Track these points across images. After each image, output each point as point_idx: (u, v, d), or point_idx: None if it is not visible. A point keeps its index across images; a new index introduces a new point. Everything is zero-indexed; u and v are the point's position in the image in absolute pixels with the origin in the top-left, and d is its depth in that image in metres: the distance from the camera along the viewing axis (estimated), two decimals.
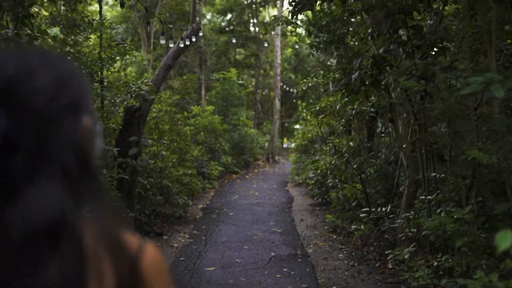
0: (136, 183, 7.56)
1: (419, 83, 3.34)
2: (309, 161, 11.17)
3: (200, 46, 19.24)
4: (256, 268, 5.97)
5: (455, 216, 2.90)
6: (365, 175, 7.10)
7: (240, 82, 20.60)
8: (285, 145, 30.65)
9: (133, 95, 7.47)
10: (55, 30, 7.09)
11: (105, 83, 7.18)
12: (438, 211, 4.39)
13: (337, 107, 6.36)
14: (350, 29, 8.28)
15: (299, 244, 7.20)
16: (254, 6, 25.13)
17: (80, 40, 5.80)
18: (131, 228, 0.77)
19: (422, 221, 3.10)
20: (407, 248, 5.13)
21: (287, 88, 27.16)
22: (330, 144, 6.54)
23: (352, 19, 8.74)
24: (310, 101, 22.93)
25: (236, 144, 17.34)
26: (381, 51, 4.56)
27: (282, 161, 21.98)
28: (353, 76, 4.46)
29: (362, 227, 5.43)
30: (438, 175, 4.52)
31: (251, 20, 26.00)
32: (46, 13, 12.62)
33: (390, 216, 5.53)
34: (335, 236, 7.61)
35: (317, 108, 6.82)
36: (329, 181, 7.24)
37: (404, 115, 6.78)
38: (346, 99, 6.38)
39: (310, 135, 10.26)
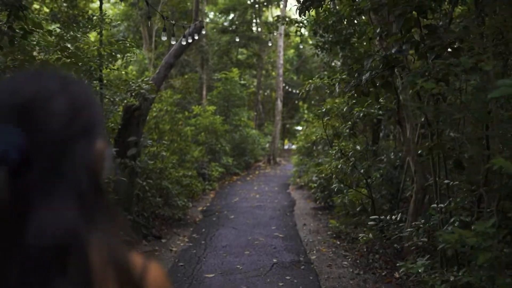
0: (134, 184, 7.35)
1: (439, 85, 3.12)
2: (312, 164, 10.96)
3: (202, 45, 19.03)
4: (258, 275, 5.74)
5: (476, 229, 2.68)
6: (371, 180, 6.88)
7: (242, 82, 20.36)
8: (286, 147, 30.44)
9: (133, 94, 7.25)
10: (53, 27, 6.84)
11: (105, 81, 6.96)
12: (452, 220, 4.17)
13: (344, 109, 6.13)
14: (357, 29, 8.05)
15: (302, 250, 6.97)
16: (257, 6, 24.93)
17: (79, 36, 5.57)
18: (135, 248, 0.78)
19: (441, 234, 2.87)
20: (416, 257, 4.91)
21: (290, 89, 26.96)
22: (336, 148, 6.31)
23: (359, 19, 8.55)
24: (313, 102, 22.72)
25: (237, 145, 17.12)
26: (393, 51, 4.33)
27: (283, 163, 21.75)
28: (364, 77, 4.24)
29: (371, 235, 5.20)
30: (451, 182, 4.30)
31: (254, 20, 25.80)
32: (47, 10, 12.46)
33: (399, 224, 5.30)
34: (338, 242, 7.38)
35: (323, 109, 6.59)
36: (334, 185, 7.01)
37: (413, 118, 6.57)
38: (354, 101, 6.17)
39: (314, 137, 10.01)
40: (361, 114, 5.77)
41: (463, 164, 3.46)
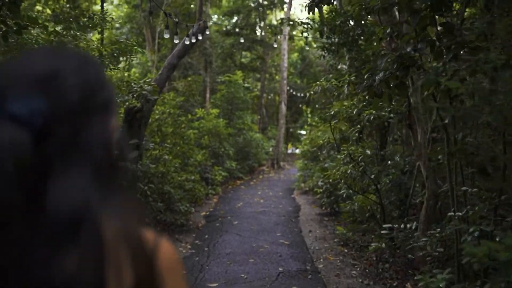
0: (135, 188, 7.11)
1: (463, 84, 2.87)
2: (318, 169, 10.71)
3: (205, 47, 18.84)
4: (263, 285, 5.49)
5: (506, 243, 2.43)
6: (380, 185, 6.63)
7: (246, 85, 20.15)
8: (289, 151, 30.21)
9: (135, 95, 7.03)
10: (51, 26, 6.63)
11: None
12: (471, 230, 3.92)
13: (354, 112, 5.89)
14: (365, 29, 7.82)
15: (309, 258, 6.72)
16: (261, 8, 24.73)
17: (78, 34, 5.36)
18: (148, 223, 0.78)
19: (466, 246, 2.63)
20: (431, 268, 4.65)
21: (294, 92, 26.74)
22: (345, 152, 6.06)
23: (367, 20, 8.32)
24: (317, 106, 22.48)
25: (241, 148, 16.88)
26: (408, 49, 4.10)
27: (287, 167, 21.51)
28: (377, 78, 4.01)
29: (383, 245, 4.94)
30: (470, 189, 4.05)
31: (258, 23, 25.60)
32: (49, 11, 12.29)
33: (411, 232, 5.04)
34: (346, 250, 7.12)
35: (332, 112, 6.34)
36: (342, 191, 6.75)
37: (424, 122, 6.33)
38: (364, 103, 5.93)
39: (321, 141, 9.76)
40: (371, 117, 5.52)
41: (487, 171, 3.22)
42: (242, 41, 15.16)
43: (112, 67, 6.73)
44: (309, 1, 4.58)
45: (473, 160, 3.21)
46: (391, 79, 4.03)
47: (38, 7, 12.95)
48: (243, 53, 27.07)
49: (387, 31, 5.68)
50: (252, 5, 24.65)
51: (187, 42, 7.38)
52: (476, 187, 4.47)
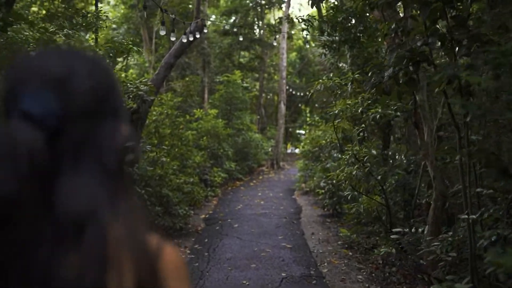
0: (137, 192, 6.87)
1: (486, 79, 2.65)
2: (320, 169, 10.49)
3: (203, 47, 18.61)
4: None
5: None
6: (386, 186, 6.41)
7: (245, 85, 19.90)
8: (288, 151, 29.98)
9: (131, 96, 6.80)
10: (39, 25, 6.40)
11: None
12: (487, 234, 3.70)
13: (359, 110, 5.66)
14: (367, 25, 7.60)
15: (312, 262, 6.49)
16: (259, 8, 24.51)
17: (70, 33, 5.12)
18: (152, 228, 0.80)
19: (493, 256, 2.40)
20: (443, 273, 4.43)
21: (293, 92, 26.52)
22: (349, 152, 5.83)
23: (369, 16, 8.10)
24: (316, 105, 22.25)
25: (240, 149, 16.64)
26: (418, 44, 3.88)
27: (287, 167, 21.27)
28: (386, 74, 3.78)
29: (393, 250, 4.70)
30: (484, 191, 3.83)
31: (256, 22, 25.38)
32: (44, 12, 12.05)
33: (422, 237, 4.81)
34: (351, 253, 6.90)
35: (335, 111, 6.11)
36: (347, 192, 6.52)
37: (431, 120, 6.11)
38: (369, 101, 5.70)
39: (324, 141, 9.52)
40: (377, 116, 5.29)
41: (509, 172, 3.00)
42: (241, 39, 14.86)
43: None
44: None
45: (493, 161, 2.98)
46: (400, 75, 3.81)
47: (34, 8, 12.72)
48: (242, 53, 26.84)
49: (392, 27, 5.46)
50: (251, 4, 24.43)
51: (184, 40, 7.13)
52: (485, 188, 4.26)
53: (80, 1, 14.86)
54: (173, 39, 7.30)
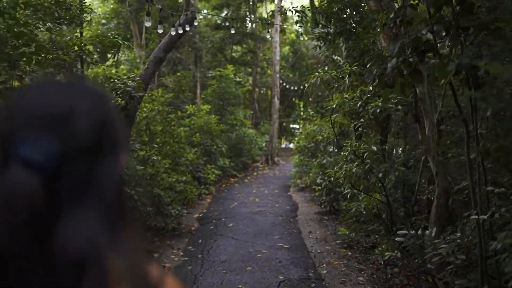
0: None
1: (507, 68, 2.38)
2: (316, 165, 10.23)
3: (195, 41, 18.26)
4: None
5: None
6: (386, 183, 6.15)
7: (237, 79, 19.57)
8: (283, 145, 29.73)
9: (118, 92, 6.49)
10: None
11: None
12: (502, 236, 3.45)
13: (358, 104, 5.38)
14: (364, 15, 7.33)
15: (311, 264, 6.23)
16: (251, 1, 24.16)
17: (51, 26, 4.81)
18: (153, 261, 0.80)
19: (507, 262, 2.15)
20: (452, 277, 4.19)
21: (286, 86, 26.24)
22: (348, 148, 5.56)
23: (366, 6, 7.83)
24: (310, 99, 21.98)
25: (234, 145, 16.35)
26: (423, 32, 3.60)
27: (281, 163, 21.02)
28: (389, 65, 3.51)
29: (398, 254, 4.42)
30: (497, 189, 3.57)
31: (248, 16, 25.03)
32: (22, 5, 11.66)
33: (430, 240, 4.55)
34: (350, 253, 6.65)
35: (333, 105, 5.83)
36: (346, 190, 6.26)
37: (432, 114, 5.86)
38: (369, 94, 5.43)
39: (321, 136, 9.24)
40: (378, 110, 5.02)
41: None
42: (233, 32, 14.49)
43: (93, 63, 6.18)
44: None
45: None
46: (404, 66, 3.54)
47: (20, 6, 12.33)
48: (234, 47, 26.50)
49: (391, 16, 5.21)
50: None
51: (173, 33, 6.81)
52: (494, 185, 4.01)
53: None
54: (160, 31, 7.00)
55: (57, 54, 4.50)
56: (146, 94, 10.19)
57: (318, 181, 9.08)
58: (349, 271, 5.93)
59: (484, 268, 3.75)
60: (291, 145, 24.15)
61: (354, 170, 5.24)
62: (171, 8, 17.37)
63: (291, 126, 31.82)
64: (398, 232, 4.17)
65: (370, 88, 5.38)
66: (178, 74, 15.15)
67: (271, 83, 23.61)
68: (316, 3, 9.88)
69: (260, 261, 6.30)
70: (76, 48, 5.87)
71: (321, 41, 8.92)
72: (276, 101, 20.74)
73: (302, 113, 27.72)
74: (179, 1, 18.73)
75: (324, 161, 9.30)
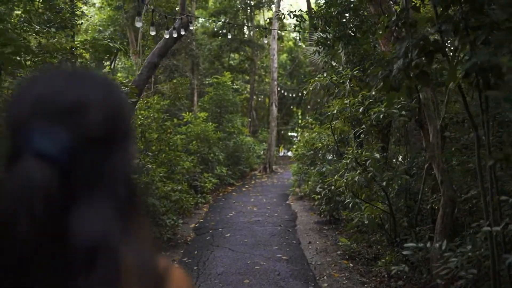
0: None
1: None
2: (316, 173, 9.99)
3: (192, 49, 18.06)
4: None
5: None
6: (389, 192, 5.92)
7: (235, 87, 19.36)
8: (281, 154, 29.51)
9: None
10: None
11: None
12: None
13: (360, 110, 5.16)
14: (364, 19, 7.13)
15: (311, 276, 5.98)
16: (248, 8, 24.05)
17: (38, 28, 4.59)
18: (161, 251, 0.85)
19: None
20: None
21: (284, 93, 26.07)
22: (350, 156, 5.33)
23: (367, 9, 7.65)
24: (309, 107, 21.80)
25: (231, 153, 16.10)
26: (432, 31, 3.39)
27: (280, 171, 20.77)
28: (396, 66, 3.29)
29: (405, 268, 4.16)
30: (511, 200, 3.34)
31: (246, 24, 24.90)
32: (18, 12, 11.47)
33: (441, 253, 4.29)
34: (351, 264, 6.39)
35: (334, 111, 5.60)
36: (348, 200, 6.02)
37: (435, 120, 5.64)
38: (371, 99, 5.21)
39: (320, 144, 9.00)
40: (381, 116, 4.79)
41: None
42: (229, 36, 14.27)
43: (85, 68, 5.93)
44: None
45: None
46: (411, 68, 3.32)
47: (17, 12, 12.15)
48: (231, 55, 26.36)
49: (393, 19, 5.01)
50: (239, 6, 23.96)
51: (167, 36, 6.60)
52: (506, 194, 3.79)
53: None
54: (152, 33, 6.78)
55: (43, 57, 4.27)
56: (141, 101, 9.98)
57: (318, 189, 8.83)
58: (351, 284, 5.68)
59: (497, 282, 3.51)
60: (289, 153, 23.93)
61: (356, 178, 5.00)
62: (167, 14, 17.22)
63: (289, 134, 31.65)
64: (405, 245, 3.93)
65: (373, 93, 5.17)
66: (174, 81, 14.93)
67: (269, 91, 23.45)
68: (313, 7, 9.71)
69: (258, 273, 6.04)
70: (65, 51, 5.66)
71: (320, 46, 8.72)
72: (274, 108, 20.54)
73: (300, 121, 27.53)
74: (176, 8, 18.60)
75: (324, 169, 9.06)
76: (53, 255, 0.63)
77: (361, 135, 5.60)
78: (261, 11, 26.24)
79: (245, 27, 24.88)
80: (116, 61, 20.70)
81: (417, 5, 5.44)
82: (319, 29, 8.31)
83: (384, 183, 5.01)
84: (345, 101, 5.75)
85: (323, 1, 8.02)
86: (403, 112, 4.86)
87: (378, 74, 3.40)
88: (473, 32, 3.51)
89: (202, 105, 16.57)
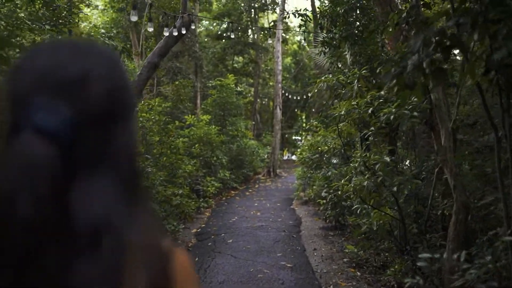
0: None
1: None
2: (321, 177, 9.73)
3: (195, 51, 17.86)
4: None
5: None
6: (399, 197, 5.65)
7: (239, 89, 19.13)
8: (285, 157, 29.26)
9: None
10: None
11: None
12: None
13: (369, 111, 4.90)
14: (372, 17, 6.89)
15: (316, 285, 5.71)
16: (252, 10, 23.86)
17: (28, 23, 4.37)
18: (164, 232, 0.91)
19: None
20: None
21: (289, 95, 25.83)
22: (358, 160, 5.06)
23: (372, 10, 7.42)
24: (313, 110, 21.54)
25: (235, 157, 15.86)
26: (450, 23, 3.14)
27: (284, 175, 20.49)
28: (411, 62, 3.04)
29: (420, 281, 3.90)
30: None
31: (250, 26, 24.72)
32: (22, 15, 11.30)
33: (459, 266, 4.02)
34: (359, 273, 6.12)
35: (341, 112, 5.34)
36: (356, 206, 5.75)
37: (448, 122, 5.38)
38: (381, 100, 4.95)
39: (326, 147, 8.74)
40: (391, 117, 4.53)
41: None
42: (233, 36, 14.04)
43: None
44: None
45: None
46: (427, 64, 3.07)
47: (21, 14, 11.99)
48: (235, 58, 26.17)
49: (403, 15, 4.79)
50: (242, 8, 23.78)
51: (166, 34, 6.37)
52: None
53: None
54: (150, 29, 6.53)
55: None
56: (142, 103, 9.77)
57: (323, 194, 8.56)
58: None
59: None
60: (294, 157, 23.67)
61: (365, 183, 4.74)
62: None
63: (294, 137, 31.41)
64: (419, 256, 3.67)
65: (382, 93, 4.91)
66: (177, 82, 14.69)
67: (273, 94, 23.23)
68: (319, 8, 9.48)
69: (261, 282, 5.78)
70: None
71: (326, 47, 8.49)
72: (278, 111, 20.30)
73: (304, 124, 27.28)
74: (180, 11, 18.42)
75: (329, 173, 8.80)
76: (55, 236, 0.61)
77: (370, 138, 5.33)
78: (265, 13, 26.05)
79: (249, 30, 24.69)
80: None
81: (427, 2, 5.21)
82: (325, 28, 8.08)
83: (395, 188, 4.73)
84: (353, 102, 5.49)
85: (329, 0, 7.80)
86: (415, 113, 4.59)
87: (391, 71, 3.14)
88: (493, 26, 3.26)
89: (205, 108, 16.33)
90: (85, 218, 0.62)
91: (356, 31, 7.58)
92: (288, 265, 6.56)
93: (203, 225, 9.55)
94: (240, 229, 9.10)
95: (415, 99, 5.01)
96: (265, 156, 20.59)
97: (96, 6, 21.68)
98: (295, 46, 31.50)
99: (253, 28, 24.57)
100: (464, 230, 5.11)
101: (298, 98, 26.23)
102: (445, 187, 6.05)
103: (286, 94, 25.64)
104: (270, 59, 26.87)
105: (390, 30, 5.38)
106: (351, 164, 5.23)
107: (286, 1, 20.16)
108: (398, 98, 3.89)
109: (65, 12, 5.60)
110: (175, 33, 6.58)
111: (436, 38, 3.07)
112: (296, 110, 30.05)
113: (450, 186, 5.26)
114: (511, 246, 3.28)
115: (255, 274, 6.10)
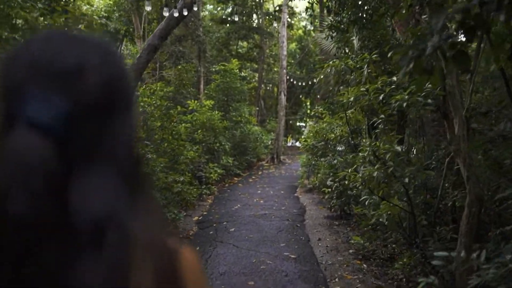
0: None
1: None
2: (325, 164, 9.50)
3: (198, 35, 17.52)
4: None
5: None
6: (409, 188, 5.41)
7: (243, 74, 18.80)
8: (289, 144, 29.03)
9: None
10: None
11: None
12: None
13: (381, 97, 4.64)
14: (384, 1, 6.58)
15: (321, 278, 5.51)
16: None
17: (21, 2, 4.12)
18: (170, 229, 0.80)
19: None
20: None
21: (294, 81, 25.50)
22: (367, 149, 4.82)
23: None
24: (318, 96, 21.23)
25: (238, 143, 15.62)
26: (474, 2, 2.86)
27: (288, 161, 20.25)
28: (431, 44, 2.77)
29: (435, 280, 3.67)
30: None
31: (255, 10, 24.30)
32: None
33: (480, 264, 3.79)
34: (365, 265, 5.92)
35: (350, 98, 5.08)
36: (364, 197, 5.52)
37: (462, 110, 5.11)
38: (393, 86, 4.69)
39: (332, 135, 8.49)
40: (404, 104, 4.28)
41: None
42: (236, 19, 13.70)
43: None
44: None
45: None
46: (448, 47, 2.80)
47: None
48: (240, 43, 25.79)
49: None
50: None
51: (166, 14, 6.09)
52: None
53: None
54: (148, 8, 6.26)
55: (26, 33, 3.82)
56: (144, 88, 9.52)
57: (328, 183, 8.33)
58: (365, 287, 5.21)
59: None
60: (298, 143, 23.41)
61: (375, 174, 4.50)
62: None
63: (298, 124, 31.14)
64: (435, 254, 3.43)
65: (394, 78, 4.65)
66: (179, 67, 14.39)
67: (277, 80, 22.91)
68: None
69: (264, 274, 5.58)
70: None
71: (333, 31, 8.19)
72: (283, 97, 20.00)
73: (308, 111, 26.96)
74: None
75: (335, 161, 8.56)
76: (54, 233, 0.58)
77: (379, 126, 5.08)
78: None
79: (254, 14, 24.28)
80: (122, 47, 20.27)
81: None
82: (332, 11, 7.78)
83: (407, 179, 4.49)
84: (362, 88, 5.22)
85: None
86: (429, 101, 4.33)
87: (409, 53, 2.88)
88: None
89: (208, 93, 16.05)
90: (86, 214, 0.59)
91: (365, 15, 7.27)
92: (292, 256, 6.36)
93: (205, 213, 9.36)
94: (243, 217, 8.90)
95: (429, 85, 4.76)
96: (269, 143, 20.35)
97: None
98: (300, 31, 31.03)
99: (258, 12, 24.13)
100: (477, 224, 4.89)
101: (303, 84, 25.88)
102: (456, 178, 5.82)
103: (291, 80, 25.31)
104: (275, 44, 26.48)
105: (404, 12, 5.10)
106: (359, 154, 4.98)
107: None
108: (412, 84, 3.62)
109: None
110: (176, 14, 6.30)
111: (460, 17, 2.80)
112: (300, 96, 29.72)
113: (462, 176, 5.03)
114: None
115: (257, 265, 5.90)
